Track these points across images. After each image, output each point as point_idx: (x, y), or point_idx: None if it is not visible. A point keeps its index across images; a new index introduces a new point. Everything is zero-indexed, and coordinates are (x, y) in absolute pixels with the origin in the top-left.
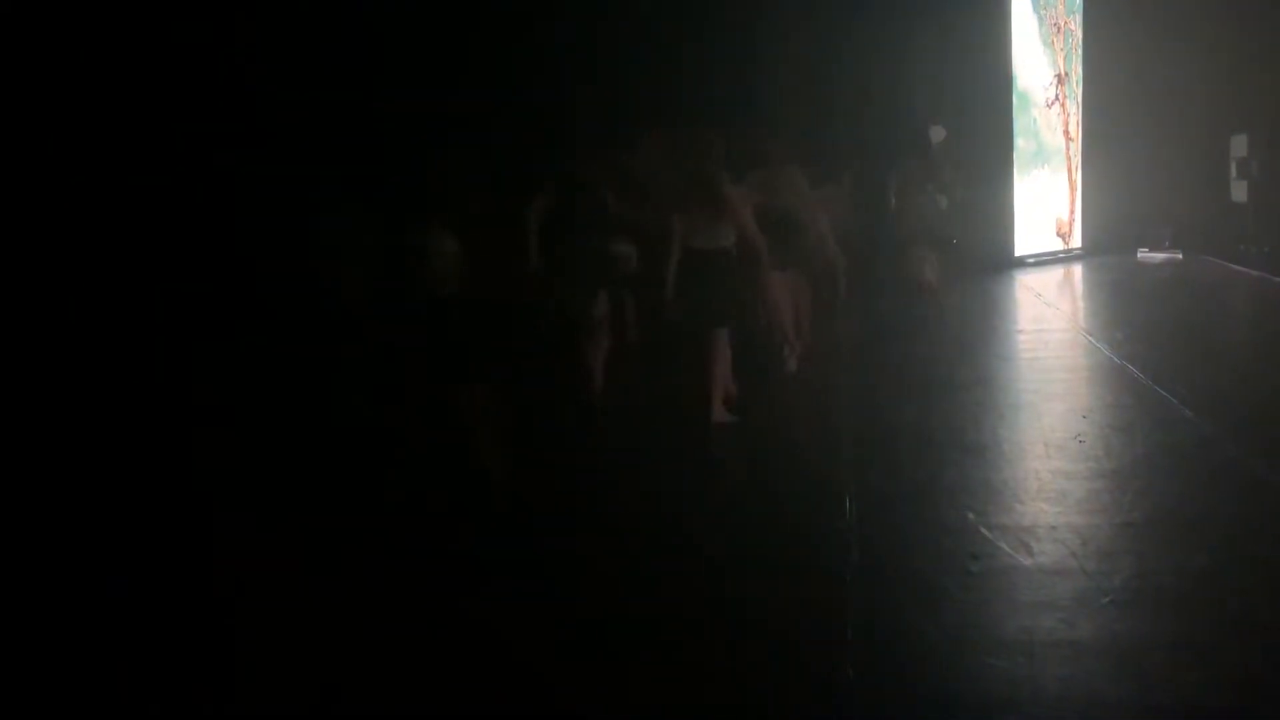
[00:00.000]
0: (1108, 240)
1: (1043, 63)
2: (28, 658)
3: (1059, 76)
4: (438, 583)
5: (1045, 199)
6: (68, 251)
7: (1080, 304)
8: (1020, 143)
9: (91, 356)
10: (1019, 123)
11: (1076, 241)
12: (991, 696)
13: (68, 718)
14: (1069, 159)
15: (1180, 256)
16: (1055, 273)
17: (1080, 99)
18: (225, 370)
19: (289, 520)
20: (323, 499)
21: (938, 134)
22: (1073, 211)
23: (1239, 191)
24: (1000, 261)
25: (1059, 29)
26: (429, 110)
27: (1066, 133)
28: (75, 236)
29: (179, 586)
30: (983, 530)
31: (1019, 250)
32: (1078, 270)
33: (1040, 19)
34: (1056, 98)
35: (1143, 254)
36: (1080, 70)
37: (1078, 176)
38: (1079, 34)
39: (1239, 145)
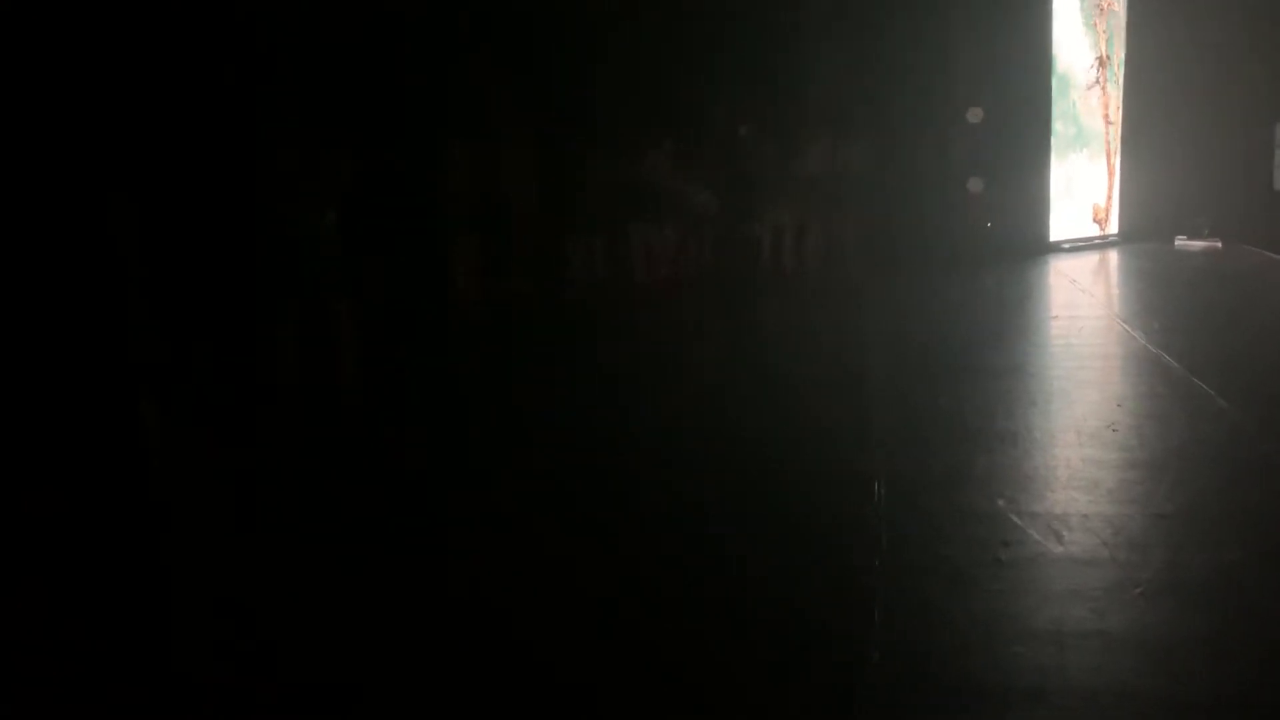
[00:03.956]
0: (1146, 227)
1: (1084, 45)
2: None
3: (1100, 59)
4: (448, 570)
5: (1083, 184)
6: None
7: (1116, 291)
8: (1059, 126)
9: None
10: (1058, 106)
11: (1113, 228)
12: (1020, 686)
13: None
14: (1108, 144)
15: (1220, 245)
16: (1091, 259)
17: (1121, 82)
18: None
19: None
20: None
21: (975, 115)
22: (1110, 197)
23: None
24: (1035, 246)
25: (1102, 10)
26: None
27: (1106, 117)
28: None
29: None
30: (1013, 518)
31: (1054, 235)
32: (1114, 257)
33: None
34: (1097, 81)
35: (1181, 241)
36: (1122, 53)
37: (1116, 161)
38: (1122, 16)
39: None
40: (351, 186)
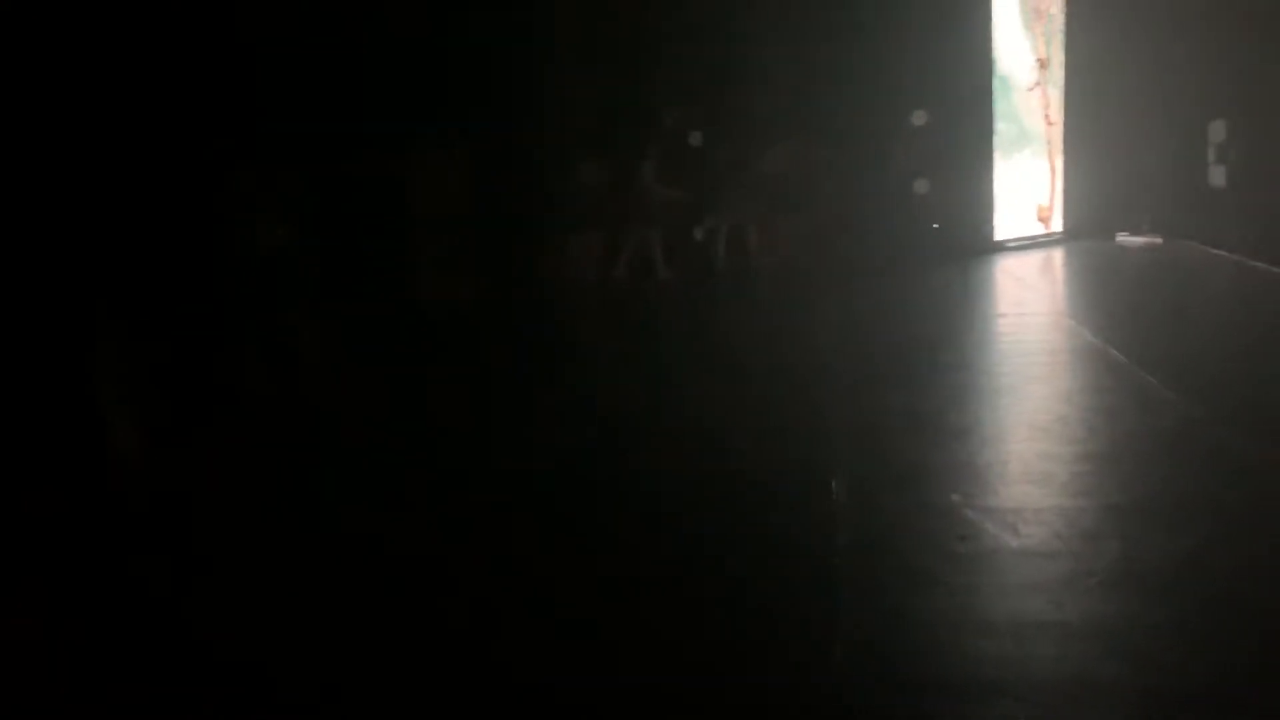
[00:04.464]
0: (1088, 224)
1: (1024, 47)
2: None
3: (1040, 61)
4: (434, 573)
5: (1026, 183)
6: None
7: (1061, 288)
8: (1001, 127)
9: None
10: (1000, 107)
11: (1057, 226)
12: (981, 679)
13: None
14: (1049, 143)
15: (1160, 241)
16: (1036, 257)
17: (1061, 84)
18: None
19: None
20: None
21: (919, 118)
22: (1053, 196)
23: (1217, 176)
24: (980, 245)
25: (1040, 13)
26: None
27: (1047, 118)
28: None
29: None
30: (968, 513)
31: (999, 235)
32: (1058, 254)
33: (1021, 2)
34: (1037, 82)
35: (1122, 238)
36: (1061, 55)
37: (1058, 161)
38: (1060, 18)
39: (1217, 130)
40: (319, 195)
